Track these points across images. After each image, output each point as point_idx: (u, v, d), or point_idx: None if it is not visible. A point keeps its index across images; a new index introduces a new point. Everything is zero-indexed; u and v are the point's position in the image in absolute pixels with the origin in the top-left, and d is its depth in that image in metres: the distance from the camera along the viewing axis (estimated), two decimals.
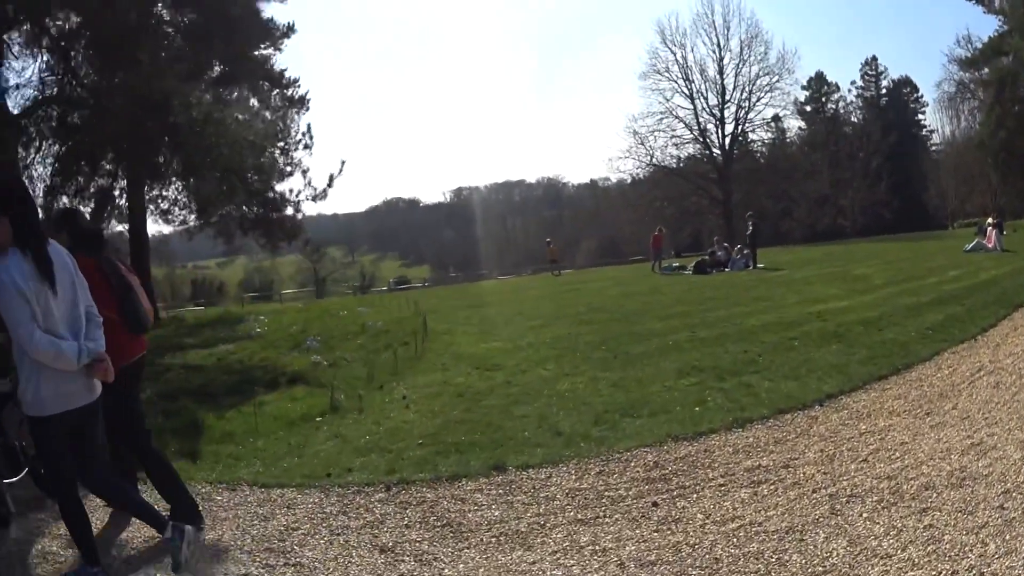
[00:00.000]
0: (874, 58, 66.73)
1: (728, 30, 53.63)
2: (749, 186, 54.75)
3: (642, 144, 54.69)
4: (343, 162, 24.60)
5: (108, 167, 14.86)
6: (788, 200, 57.16)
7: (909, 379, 7.41)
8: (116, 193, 18.67)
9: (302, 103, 24.18)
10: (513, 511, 4.92)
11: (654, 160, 55.05)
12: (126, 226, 21.08)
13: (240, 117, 15.00)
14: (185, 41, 11.82)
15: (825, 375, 7.68)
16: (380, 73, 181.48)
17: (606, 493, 5.07)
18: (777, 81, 53.11)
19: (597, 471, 5.51)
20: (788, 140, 62.99)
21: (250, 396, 9.39)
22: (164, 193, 19.59)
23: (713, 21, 54.09)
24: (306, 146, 22.85)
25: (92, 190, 16.82)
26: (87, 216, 15.32)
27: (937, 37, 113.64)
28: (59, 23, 11.95)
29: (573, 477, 5.43)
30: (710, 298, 15.57)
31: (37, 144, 14.63)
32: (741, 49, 53.29)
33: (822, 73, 65.39)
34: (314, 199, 22.48)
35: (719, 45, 53.62)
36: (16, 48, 13.51)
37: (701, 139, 54.80)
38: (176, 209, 20.81)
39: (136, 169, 14.99)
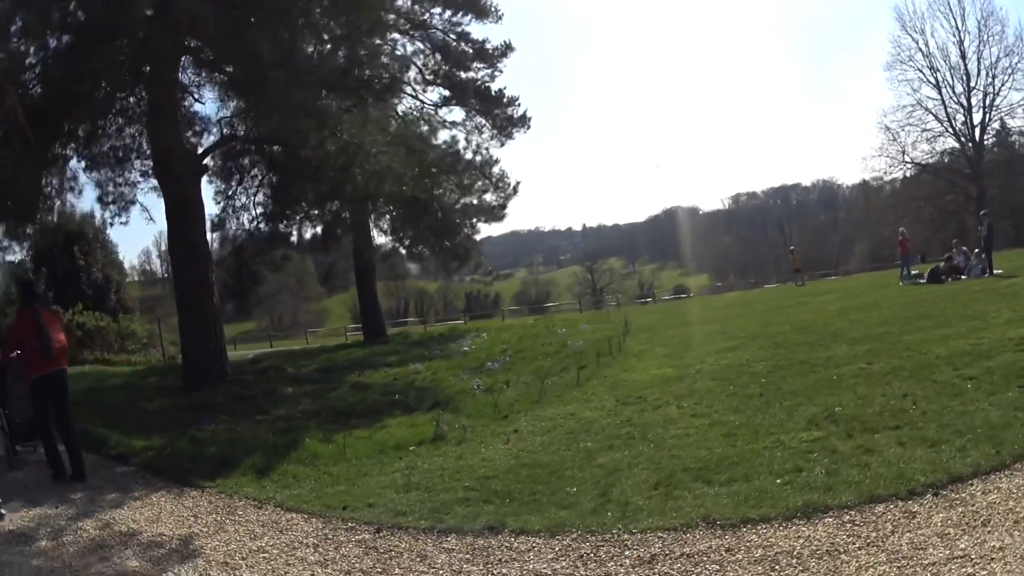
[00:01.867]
0: None
1: (964, 10, 47.76)
2: (1005, 179, 48.89)
3: (894, 140, 50.86)
4: (518, 182, 25.88)
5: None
6: None
7: None
8: (346, 215, 21.15)
9: (523, 122, 25.43)
10: None
11: (906, 156, 51.06)
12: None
13: (411, 144, 15.92)
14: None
15: (973, 441, 6.04)
16: (657, 84, 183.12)
17: None
18: (1019, 62, 46.78)
19: (582, 554, 4.98)
20: None
21: (381, 419, 10.06)
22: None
23: (948, 1, 48.09)
24: (474, 167, 24.32)
25: (316, 213, 19.23)
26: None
27: None
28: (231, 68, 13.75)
29: (551, 556, 5.00)
30: (922, 316, 14.02)
31: (239, 177, 17.12)
32: (979, 29, 47.43)
33: None
34: (487, 221, 23.68)
35: (957, 28, 48.13)
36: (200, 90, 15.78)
37: (951, 130, 49.58)
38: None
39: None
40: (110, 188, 16.18)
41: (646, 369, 12.60)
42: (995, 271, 20.54)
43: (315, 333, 43.99)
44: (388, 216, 22.35)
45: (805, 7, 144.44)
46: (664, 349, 15.09)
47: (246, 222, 17.86)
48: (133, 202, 16.53)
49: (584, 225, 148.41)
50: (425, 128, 24.37)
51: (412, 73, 24.91)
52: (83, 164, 15.31)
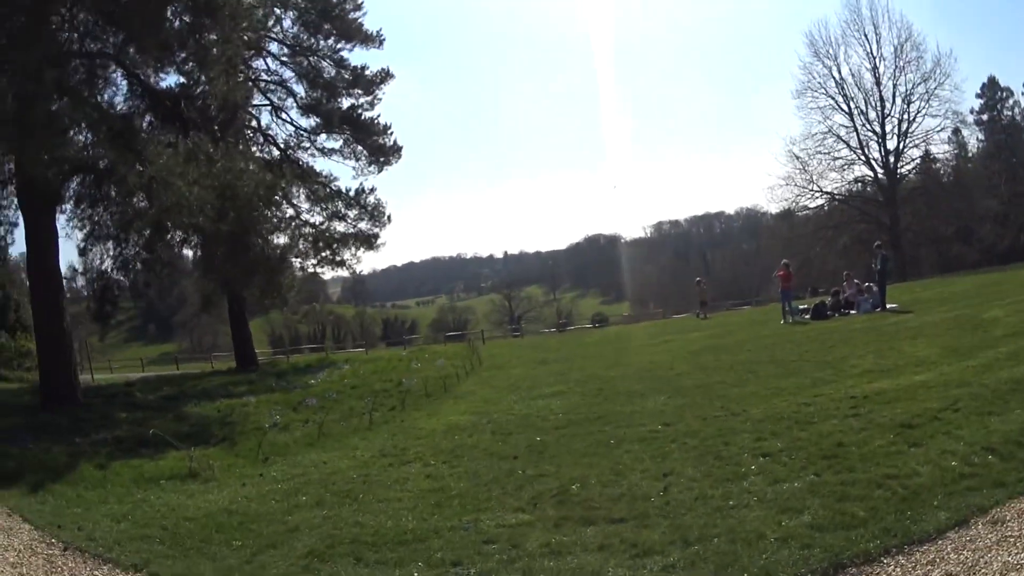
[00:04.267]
0: None
1: (879, 36, 49.28)
2: (923, 206, 49.95)
3: (804, 169, 51.31)
4: (389, 216, 28.01)
5: None
6: (964, 221, 50.34)
7: None
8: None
9: (395, 151, 27.34)
10: None
11: (815, 185, 51.54)
12: None
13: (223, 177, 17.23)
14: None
15: (693, 558, 5.09)
16: (581, 111, 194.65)
17: None
18: (936, 88, 48.15)
19: None
20: (967, 155, 56.34)
21: (165, 451, 11.62)
22: None
23: (862, 26, 49.81)
24: (346, 196, 26.31)
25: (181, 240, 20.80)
26: None
27: None
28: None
29: None
30: (775, 361, 13.50)
31: (104, 204, 18.61)
32: (895, 55, 48.86)
33: (995, 78, 57.86)
34: (320, 262, 26.81)
35: (872, 53, 49.47)
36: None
37: (863, 157, 50.34)
38: None
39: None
40: None
41: (447, 415, 13.37)
42: (889, 306, 19.81)
43: (221, 356, 44.44)
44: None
45: (729, 35, 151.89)
46: (490, 392, 15.81)
47: (111, 248, 19.30)
48: (15, 225, 17.91)
49: (506, 252, 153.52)
50: (307, 156, 26.28)
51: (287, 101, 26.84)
52: None
